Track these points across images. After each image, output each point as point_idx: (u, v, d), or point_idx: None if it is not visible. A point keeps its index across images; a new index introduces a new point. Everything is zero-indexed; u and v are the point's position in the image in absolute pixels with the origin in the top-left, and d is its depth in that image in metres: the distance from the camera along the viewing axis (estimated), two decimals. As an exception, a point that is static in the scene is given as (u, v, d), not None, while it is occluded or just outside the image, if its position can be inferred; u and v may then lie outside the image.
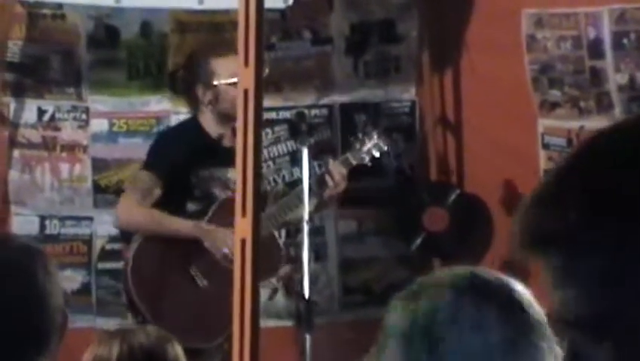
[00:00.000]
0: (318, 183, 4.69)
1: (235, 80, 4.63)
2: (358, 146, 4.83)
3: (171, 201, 4.68)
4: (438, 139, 5.69)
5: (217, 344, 4.61)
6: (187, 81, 4.84)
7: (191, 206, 4.73)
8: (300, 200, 4.41)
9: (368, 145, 4.83)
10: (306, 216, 4.30)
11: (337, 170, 4.69)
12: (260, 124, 2.56)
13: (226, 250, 4.48)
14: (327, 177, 4.69)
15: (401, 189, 5.64)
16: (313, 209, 4.67)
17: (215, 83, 4.64)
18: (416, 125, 5.72)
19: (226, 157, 4.54)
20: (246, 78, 2.57)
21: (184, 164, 4.69)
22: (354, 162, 4.79)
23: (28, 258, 1.74)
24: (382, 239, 5.68)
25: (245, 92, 2.57)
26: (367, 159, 4.82)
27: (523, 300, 1.57)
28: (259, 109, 2.57)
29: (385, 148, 4.86)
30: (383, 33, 5.66)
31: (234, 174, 4.71)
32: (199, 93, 4.73)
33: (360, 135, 4.91)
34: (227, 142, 4.73)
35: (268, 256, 4.59)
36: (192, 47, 5.35)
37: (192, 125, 4.80)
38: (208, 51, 4.76)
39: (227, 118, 4.63)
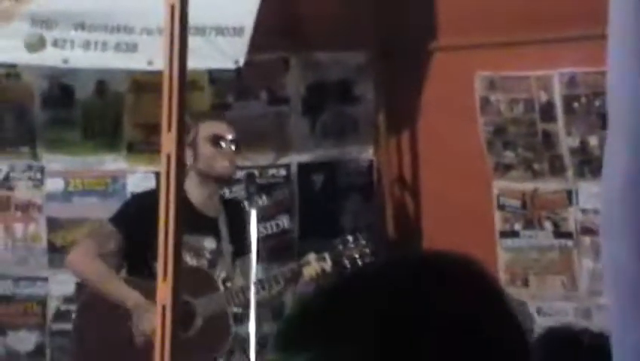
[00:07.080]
0: (294, 272, 4.62)
1: (212, 132, 4.68)
2: (341, 247, 4.67)
3: (136, 259, 4.62)
4: (396, 199, 5.68)
5: None
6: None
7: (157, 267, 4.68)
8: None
9: (354, 252, 4.66)
10: (253, 278, 4.26)
11: (315, 267, 4.59)
12: (181, 188, 2.54)
13: (145, 330, 4.45)
14: (305, 270, 4.60)
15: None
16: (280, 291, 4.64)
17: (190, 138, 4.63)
18: (373, 184, 5.71)
19: (206, 226, 4.60)
20: (168, 143, 2.55)
21: (152, 225, 4.63)
22: (329, 267, 4.61)
23: None
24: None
25: (168, 156, 2.56)
26: (348, 264, 4.64)
27: None
28: (181, 173, 2.55)
29: (369, 253, 4.70)
30: (340, 94, 5.66)
31: (210, 243, 4.70)
32: (187, 157, 4.70)
33: (350, 238, 4.71)
34: (211, 212, 4.70)
35: (215, 335, 4.54)
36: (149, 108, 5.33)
37: None
38: (198, 116, 4.78)
39: (207, 180, 4.64)
